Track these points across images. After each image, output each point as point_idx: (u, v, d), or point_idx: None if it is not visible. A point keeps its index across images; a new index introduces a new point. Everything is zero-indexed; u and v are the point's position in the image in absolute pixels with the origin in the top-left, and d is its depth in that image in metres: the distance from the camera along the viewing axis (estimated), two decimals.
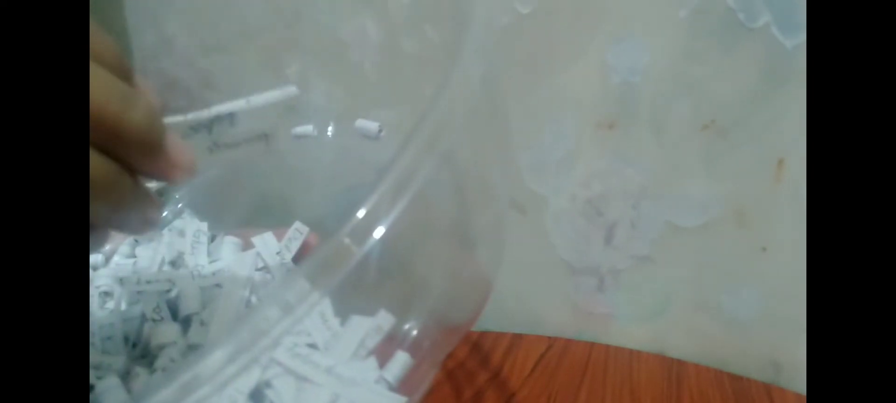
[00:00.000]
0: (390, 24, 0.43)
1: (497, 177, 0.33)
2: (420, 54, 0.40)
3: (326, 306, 0.30)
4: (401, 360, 0.29)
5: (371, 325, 0.29)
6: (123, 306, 0.33)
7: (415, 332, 0.30)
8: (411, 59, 0.42)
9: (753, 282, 0.46)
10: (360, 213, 0.19)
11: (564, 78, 0.45)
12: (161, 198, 0.41)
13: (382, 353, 0.29)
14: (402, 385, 0.28)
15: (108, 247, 0.38)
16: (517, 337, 0.51)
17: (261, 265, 0.35)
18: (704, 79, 0.42)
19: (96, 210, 0.20)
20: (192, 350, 0.31)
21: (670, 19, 0.41)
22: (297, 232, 0.35)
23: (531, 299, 0.53)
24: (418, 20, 0.40)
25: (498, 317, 0.53)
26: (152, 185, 0.42)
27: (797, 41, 0.40)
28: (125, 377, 0.30)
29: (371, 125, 0.40)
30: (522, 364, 0.48)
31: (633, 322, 0.51)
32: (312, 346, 0.29)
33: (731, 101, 0.42)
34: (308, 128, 0.42)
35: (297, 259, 0.35)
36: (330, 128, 0.43)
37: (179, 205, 0.42)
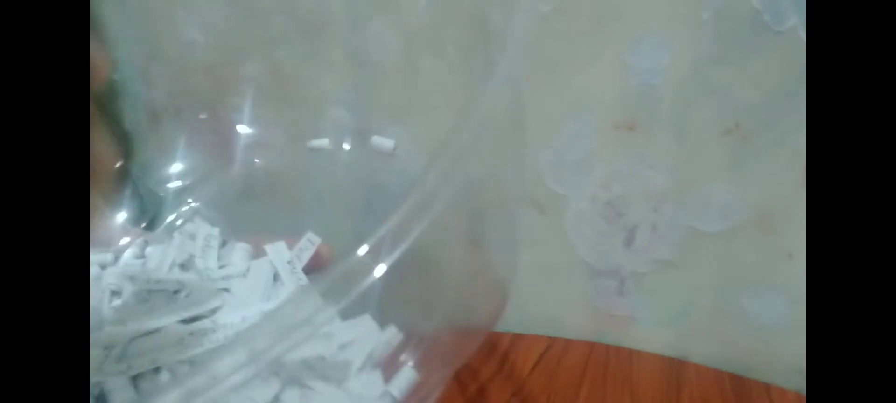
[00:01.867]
0: (411, 42, 0.43)
1: (512, 184, 0.33)
2: (439, 73, 0.40)
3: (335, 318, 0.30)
4: (406, 375, 0.29)
5: (380, 340, 0.29)
6: (132, 304, 0.33)
7: (424, 345, 0.30)
8: (430, 78, 0.42)
9: (779, 289, 0.45)
10: (379, 233, 0.19)
11: (583, 77, 0.44)
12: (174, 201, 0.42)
13: (389, 366, 0.29)
14: (408, 399, 0.28)
15: (120, 244, 0.38)
16: (517, 337, 0.51)
17: (272, 272, 0.35)
18: (728, 82, 0.41)
19: None
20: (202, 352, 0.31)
21: (693, 21, 0.40)
22: (309, 243, 0.35)
23: (550, 299, 0.52)
24: (440, 39, 0.40)
25: (516, 317, 0.52)
26: (171, 186, 0.43)
27: None
28: (133, 376, 0.30)
29: (386, 142, 0.40)
30: (523, 364, 0.48)
31: (654, 326, 0.50)
32: (320, 358, 0.29)
33: (756, 105, 0.41)
34: (324, 142, 0.43)
35: (307, 269, 0.35)
36: (346, 143, 0.43)
37: (191, 205, 0.42)
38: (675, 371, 0.47)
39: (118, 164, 0.42)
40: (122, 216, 0.41)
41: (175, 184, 0.43)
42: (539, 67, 0.45)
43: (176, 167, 0.44)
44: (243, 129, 0.45)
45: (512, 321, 0.52)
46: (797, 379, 0.46)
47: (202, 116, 0.44)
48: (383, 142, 0.41)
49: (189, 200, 0.42)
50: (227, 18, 0.44)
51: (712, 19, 0.40)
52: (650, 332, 0.50)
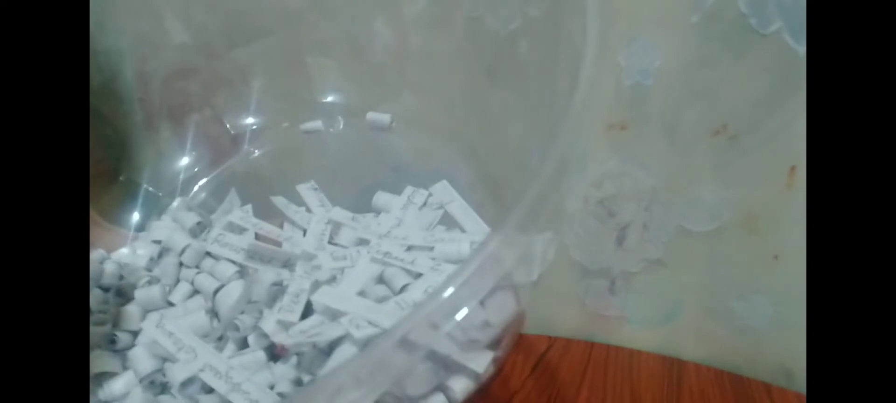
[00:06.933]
0: (402, 25, 0.44)
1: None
2: (431, 51, 0.41)
3: None
4: None
5: None
6: None
7: None
8: (422, 56, 0.42)
9: (765, 289, 0.46)
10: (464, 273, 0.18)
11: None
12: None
13: None
14: None
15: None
16: (517, 337, 0.51)
17: None
18: (716, 84, 0.42)
19: None
20: None
21: (682, 23, 0.41)
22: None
23: (542, 300, 0.53)
24: (430, 22, 0.41)
25: None
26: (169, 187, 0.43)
27: None
28: None
29: (382, 117, 0.41)
30: (523, 364, 0.48)
31: (644, 326, 0.51)
32: None
33: (742, 106, 0.42)
34: (317, 124, 0.44)
35: None
36: (340, 123, 0.44)
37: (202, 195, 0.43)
38: (675, 370, 0.47)
39: (111, 167, 0.43)
40: (115, 218, 0.42)
41: (173, 185, 0.44)
42: None
43: (174, 167, 0.45)
44: (239, 122, 0.46)
45: None
46: (783, 380, 0.47)
47: (196, 116, 0.45)
48: (379, 117, 0.41)
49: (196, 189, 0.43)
50: (212, 15, 0.45)
51: (701, 22, 0.41)
52: (641, 332, 0.51)
